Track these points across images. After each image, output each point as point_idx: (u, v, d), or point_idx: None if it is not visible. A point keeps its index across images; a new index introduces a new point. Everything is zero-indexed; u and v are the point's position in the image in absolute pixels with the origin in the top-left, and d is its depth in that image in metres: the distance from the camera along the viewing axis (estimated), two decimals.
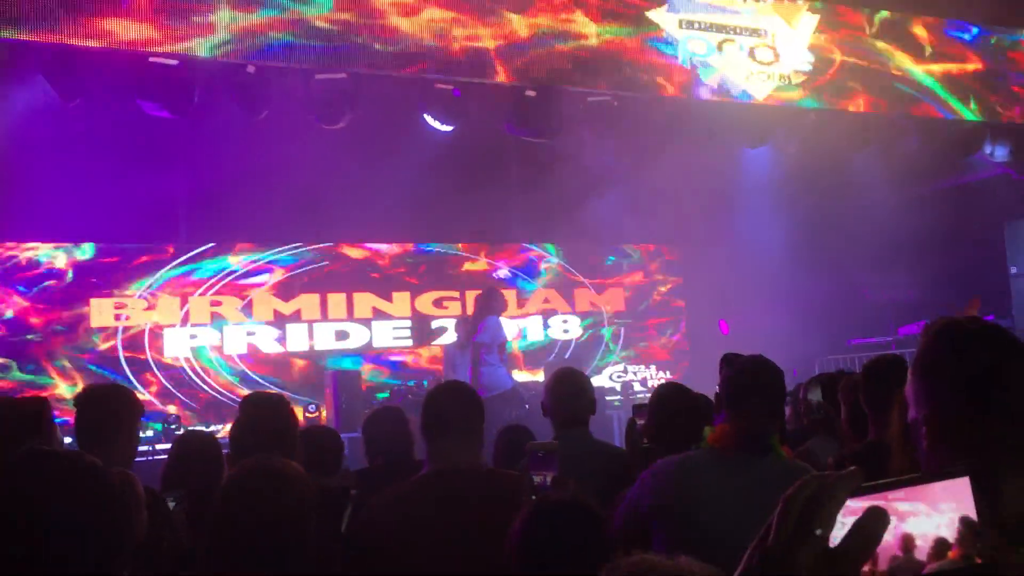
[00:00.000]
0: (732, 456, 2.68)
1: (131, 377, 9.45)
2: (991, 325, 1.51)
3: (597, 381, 10.93)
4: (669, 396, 3.47)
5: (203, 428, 8.87)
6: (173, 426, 8.75)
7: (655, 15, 7.96)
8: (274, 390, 9.83)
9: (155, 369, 9.64)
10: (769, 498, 2.69)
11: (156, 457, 7.61)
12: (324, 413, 9.30)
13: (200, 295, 9.97)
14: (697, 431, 2.91)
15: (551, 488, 2.19)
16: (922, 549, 0.77)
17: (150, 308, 9.73)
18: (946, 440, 1.45)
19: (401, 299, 10.92)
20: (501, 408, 8.04)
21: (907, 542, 0.77)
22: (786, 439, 3.94)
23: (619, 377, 11.43)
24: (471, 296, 11.16)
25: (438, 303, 11.09)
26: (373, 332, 10.74)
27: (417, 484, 2.87)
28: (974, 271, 10.28)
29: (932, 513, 0.78)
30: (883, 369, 3.10)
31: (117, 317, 9.59)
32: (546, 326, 11.51)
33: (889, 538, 0.77)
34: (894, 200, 10.06)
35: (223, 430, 9.24)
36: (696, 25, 8.09)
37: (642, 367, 11.68)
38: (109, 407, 2.96)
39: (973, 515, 0.77)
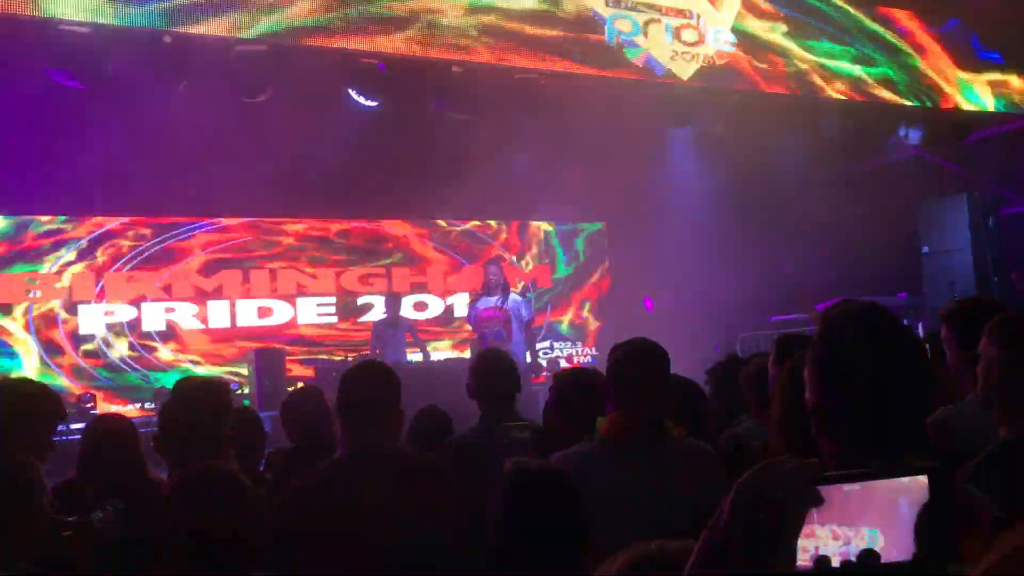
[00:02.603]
0: (627, 447, 2.69)
1: (43, 355, 9.16)
2: (870, 314, 1.52)
3: None
4: (568, 384, 3.41)
5: (118, 409, 8.67)
6: (88, 405, 8.52)
7: None
8: (195, 370, 9.67)
9: (68, 347, 9.35)
10: (670, 480, 2.71)
11: (71, 438, 7.39)
12: (247, 391, 9.16)
13: (116, 271, 9.69)
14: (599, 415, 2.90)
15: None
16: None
17: (63, 284, 9.41)
18: (824, 431, 1.49)
19: (325, 275, 10.78)
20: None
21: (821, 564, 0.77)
22: (705, 419, 4.00)
23: (545, 354, 11.50)
24: (396, 273, 11.11)
25: (364, 279, 10.98)
26: (297, 309, 10.59)
27: (330, 468, 2.83)
28: (888, 250, 10.59)
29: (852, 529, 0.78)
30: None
31: (28, 291, 9.25)
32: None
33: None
34: (813, 180, 10.29)
35: (137, 410, 9.04)
36: (623, 4, 8.11)
37: (567, 344, 11.78)
38: (18, 407, 2.84)
39: (892, 519, 0.77)
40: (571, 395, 3.24)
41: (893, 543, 0.77)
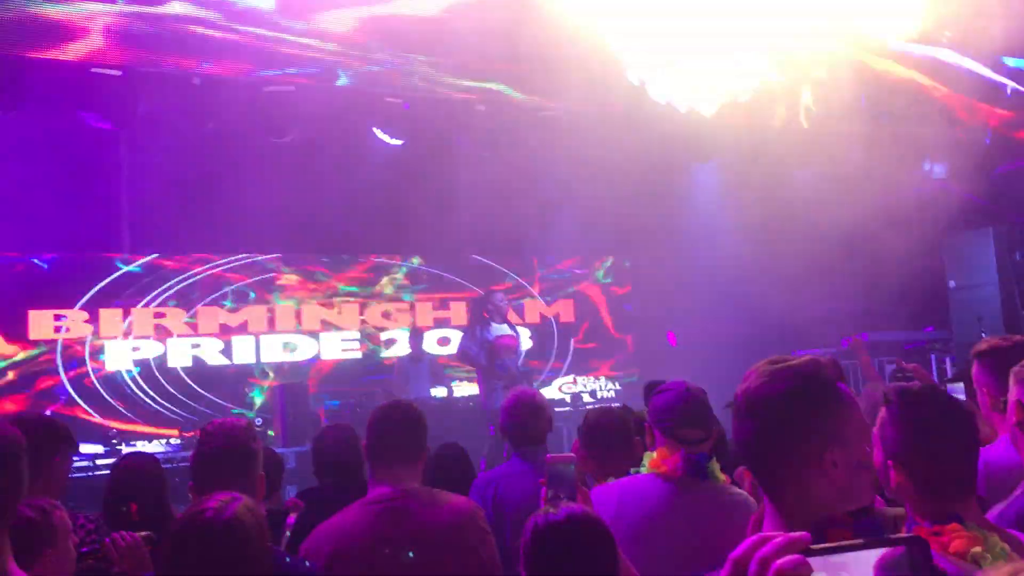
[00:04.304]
0: (674, 481, 2.71)
1: (71, 391, 9.24)
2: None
3: (546, 393, 10.95)
4: (599, 421, 3.49)
5: (144, 445, 8.72)
6: (115, 441, 8.58)
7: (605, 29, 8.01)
8: (218, 402, 9.73)
9: (96, 383, 9.43)
10: (709, 522, 2.74)
11: (97, 473, 7.45)
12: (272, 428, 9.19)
13: (143, 307, 9.79)
14: (629, 453, 2.94)
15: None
16: None
17: (91, 320, 9.52)
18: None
19: (350, 311, 10.84)
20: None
21: None
22: (731, 459, 3.99)
23: (568, 389, 11.47)
24: (420, 308, 11.15)
25: (387, 314, 11.03)
26: (321, 344, 10.64)
27: (364, 508, 2.85)
28: (913, 284, 10.51)
29: None
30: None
31: (56, 329, 9.36)
32: None
33: None
34: (837, 213, 10.25)
35: (165, 444, 9.08)
36: (645, 43, 8.16)
37: (591, 379, 11.74)
38: (35, 442, 2.87)
39: None
40: (602, 432, 3.31)
41: None
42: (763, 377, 1.46)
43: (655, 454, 2.78)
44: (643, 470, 2.80)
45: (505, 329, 8.52)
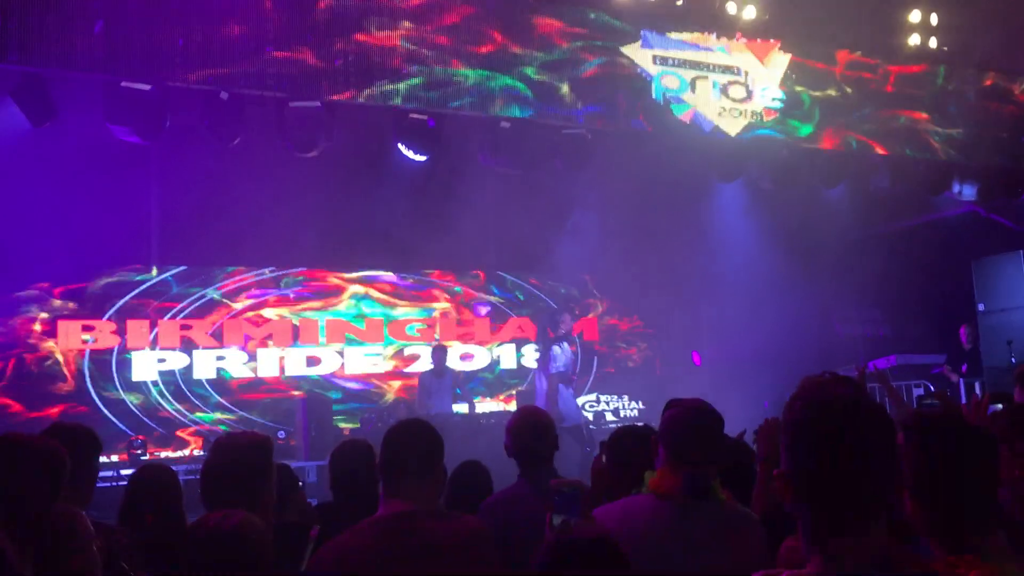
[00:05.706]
0: (674, 502, 2.67)
1: (96, 400, 9.33)
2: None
3: None
4: (625, 440, 3.44)
5: (167, 455, 8.79)
6: (138, 451, 8.64)
7: (630, 51, 8.02)
8: (242, 415, 9.78)
9: (121, 392, 9.52)
10: (711, 542, 2.70)
11: (119, 484, 7.50)
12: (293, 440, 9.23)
13: (170, 319, 9.88)
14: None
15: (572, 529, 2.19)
16: None
17: (118, 331, 9.62)
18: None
19: (373, 325, 10.87)
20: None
21: None
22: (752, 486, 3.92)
23: (591, 407, 11.41)
24: (443, 324, 11.16)
25: (411, 330, 11.05)
26: (345, 358, 10.68)
27: (372, 526, 2.83)
28: (943, 307, 10.39)
29: None
30: None
31: (84, 340, 9.47)
32: (519, 354, 11.50)
33: None
34: (865, 235, 10.16)
35: (188, 454, 9.14)
36: (670, 61, 8.16)
37: (614, 397, 11.68)
38: (74, 448, 2.90)
39: None
40: (629, 452, 3.26)
41: None
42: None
43: (656, 473, 2.74)
44: (643, 490, 2.76)
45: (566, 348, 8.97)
